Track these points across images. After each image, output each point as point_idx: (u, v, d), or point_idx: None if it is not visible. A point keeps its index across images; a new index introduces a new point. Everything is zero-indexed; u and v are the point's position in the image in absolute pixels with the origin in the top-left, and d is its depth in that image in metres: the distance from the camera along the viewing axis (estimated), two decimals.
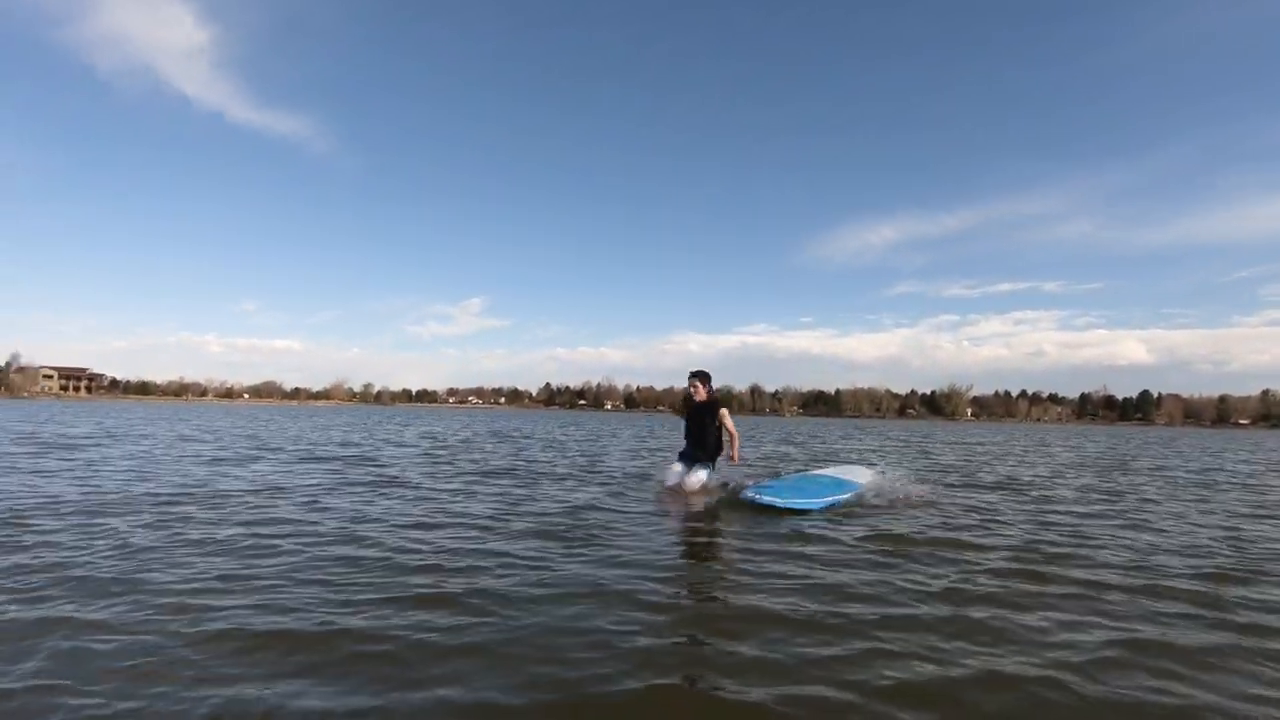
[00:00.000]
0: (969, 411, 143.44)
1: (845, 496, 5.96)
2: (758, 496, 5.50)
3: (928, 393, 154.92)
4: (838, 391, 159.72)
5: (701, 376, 6.69)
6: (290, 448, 11.38)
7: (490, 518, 4.95)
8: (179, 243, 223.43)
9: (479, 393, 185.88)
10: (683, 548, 4.22)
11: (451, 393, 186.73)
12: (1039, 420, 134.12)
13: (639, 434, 21.84)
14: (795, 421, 69.33)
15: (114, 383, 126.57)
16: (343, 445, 12.17)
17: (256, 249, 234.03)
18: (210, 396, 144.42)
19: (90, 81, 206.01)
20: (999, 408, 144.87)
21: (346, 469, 8.03)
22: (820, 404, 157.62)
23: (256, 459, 9.06)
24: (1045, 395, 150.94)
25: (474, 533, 4.37)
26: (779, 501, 5.43)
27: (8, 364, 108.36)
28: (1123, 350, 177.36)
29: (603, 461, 10.22)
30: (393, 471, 7.86)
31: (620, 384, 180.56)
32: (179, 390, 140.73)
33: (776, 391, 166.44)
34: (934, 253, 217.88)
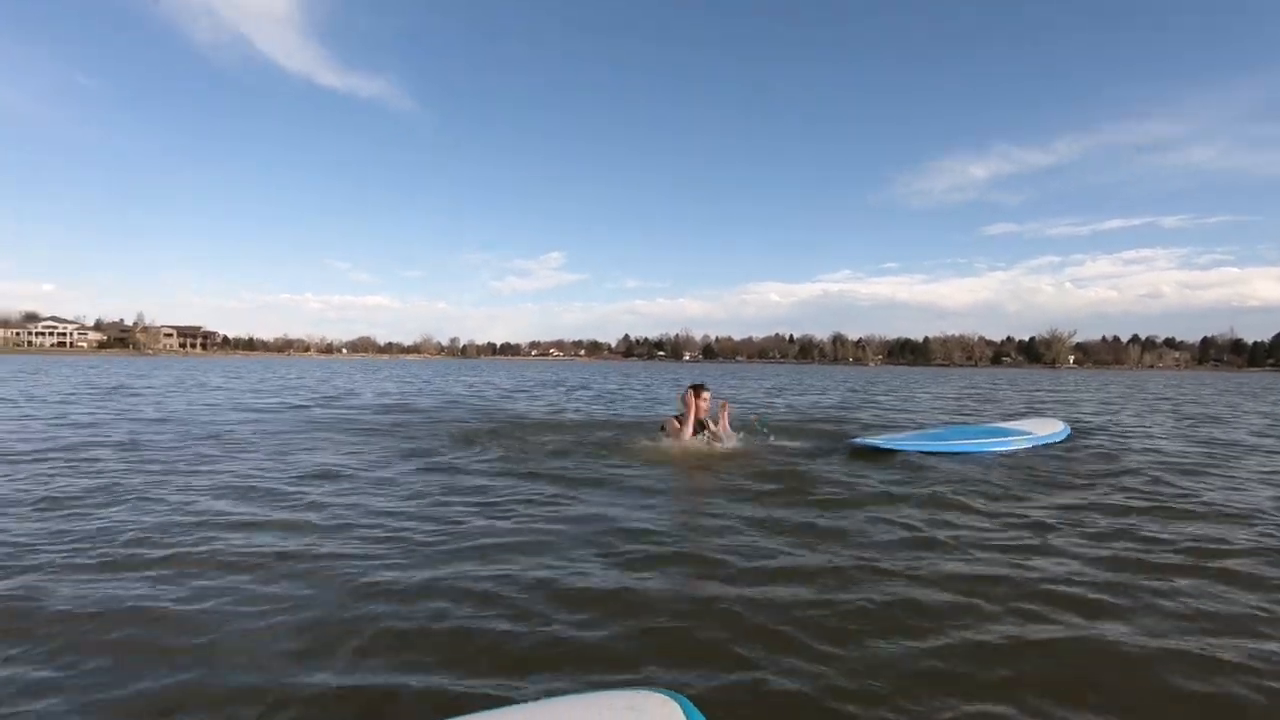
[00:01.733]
0: (1071, 359, 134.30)
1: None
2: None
3: (1026, 339, 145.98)
4: (926, 339, 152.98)
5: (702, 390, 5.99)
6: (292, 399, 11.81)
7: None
8: (277, 206, 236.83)
9: (559, 345, 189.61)
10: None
11: (534, 345, 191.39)
12: (1151, 367, 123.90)
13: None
14: (872, 371, 66.90)
15: (225, 340, 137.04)
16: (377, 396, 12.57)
17: (347, 209, 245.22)
18: (312, 352, 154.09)
19: (188, 53, 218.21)
20: (1106, 354, 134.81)
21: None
22: (907, 352, 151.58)
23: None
24: (1160, 340, 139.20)
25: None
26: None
27: (134, 324, 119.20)
28: (1254, 290, 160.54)
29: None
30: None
31: (698, 334, 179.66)
32: (282, 346, 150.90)
33: (860, 340, 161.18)
34: (1035, 188, 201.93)
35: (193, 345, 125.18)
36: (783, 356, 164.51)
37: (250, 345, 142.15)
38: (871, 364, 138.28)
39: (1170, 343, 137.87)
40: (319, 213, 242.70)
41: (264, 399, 11.84)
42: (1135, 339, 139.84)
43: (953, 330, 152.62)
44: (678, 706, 1.14)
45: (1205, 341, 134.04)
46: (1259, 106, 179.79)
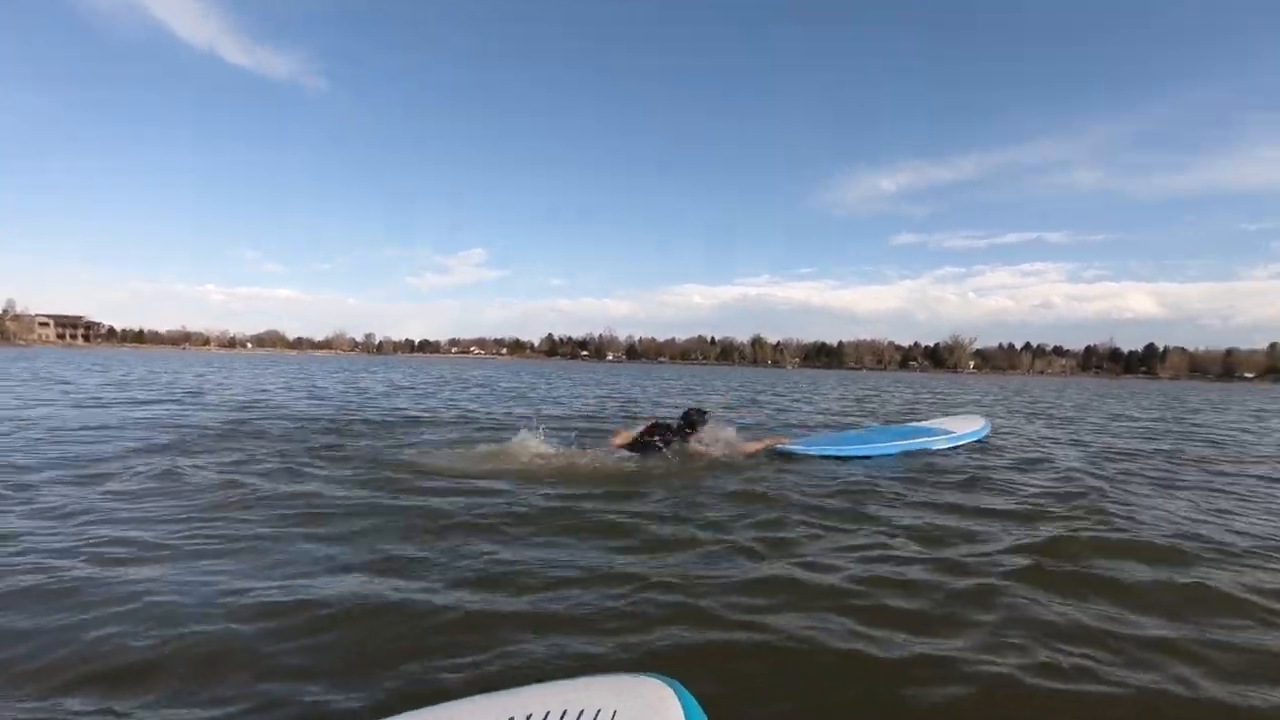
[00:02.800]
0: (971, 364, 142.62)
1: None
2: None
3: (931, 345, 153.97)
4: (840, 344, 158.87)
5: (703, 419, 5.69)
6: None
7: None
8: (175, 189, 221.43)
9: (480, 343, 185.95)
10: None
11: (453, 343, 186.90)
12: (1041, 373, 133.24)
13: (584, 388, 21.53)
14: (788, 373, 69.00)
15: (112, 332, 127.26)
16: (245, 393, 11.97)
17: (254, 195, 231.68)
18: (213, 346, 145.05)
19: (79, 20, 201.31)
20: (1002, 360, 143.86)
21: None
22: (822, 355, 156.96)
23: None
24: (1050, 348, 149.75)
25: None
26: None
27: (4, 311, 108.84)
28: (1130, 303, 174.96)
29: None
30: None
31: (622, 335, 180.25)
32: (179, 339, 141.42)
33: (779, 343, 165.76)
34: (939, 202, 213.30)
35: (73, 336, 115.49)
36: (704, 358, 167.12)
37: (140, 338, 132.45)
38: (789, 366, 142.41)
39: (1059, 350, 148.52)
40: (224, 199, 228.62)
41: (111, 394, 11.09)
42: (1028, 346, 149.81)
43: (866, 335, 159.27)
44: (671, 691, 1.13)
45: (1088, 350, 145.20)
46: (1140, 136, 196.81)
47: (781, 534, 3.42)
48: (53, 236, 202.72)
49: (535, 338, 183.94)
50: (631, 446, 5.30)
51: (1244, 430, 10.87)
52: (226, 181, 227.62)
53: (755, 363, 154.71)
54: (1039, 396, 22.88)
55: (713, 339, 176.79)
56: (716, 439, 5.48)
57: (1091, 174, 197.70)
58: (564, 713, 1.06)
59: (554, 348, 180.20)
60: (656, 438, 5.27)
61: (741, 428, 6.29)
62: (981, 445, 6.94)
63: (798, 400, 15.87)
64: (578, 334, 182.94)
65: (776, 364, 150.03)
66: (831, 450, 5.68)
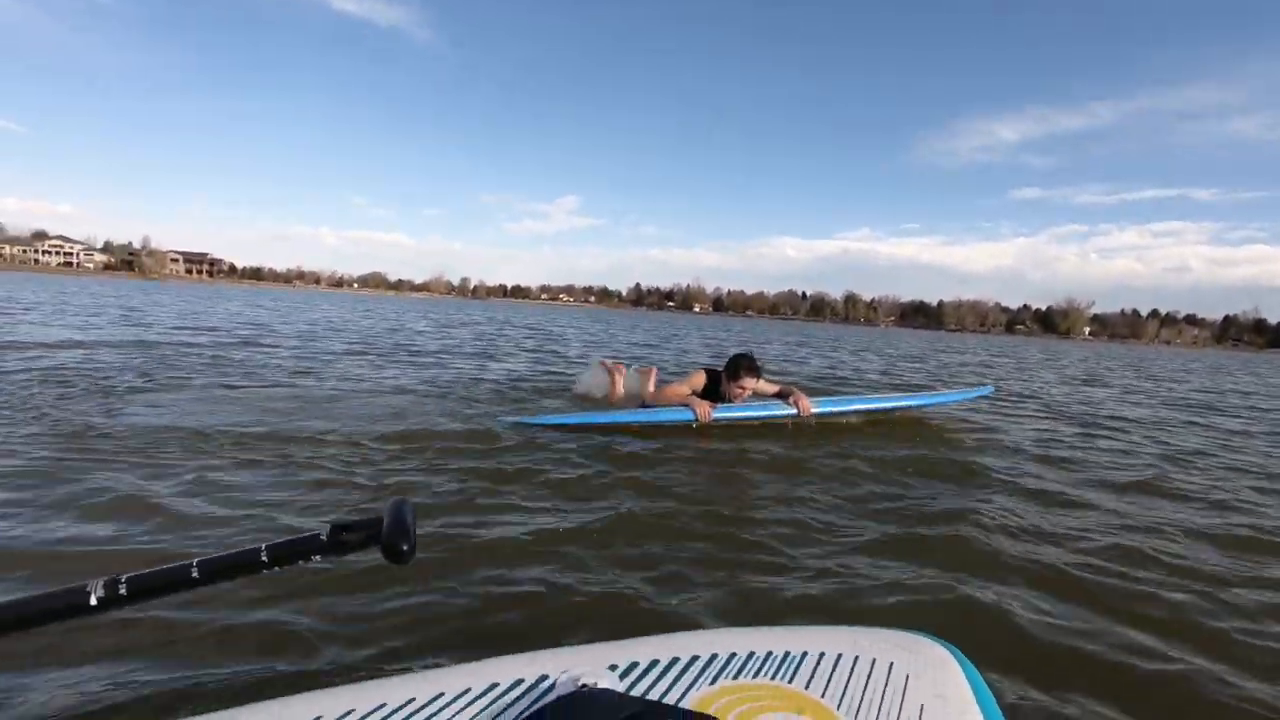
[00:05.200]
0: (1087, 330, 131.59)
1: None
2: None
3: (1043, 309, 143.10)
4: (940, 303, 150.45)
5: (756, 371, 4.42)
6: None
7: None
8: (295, 136, 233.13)
9: (570, 290, 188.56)
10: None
11: (544, 289, 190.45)
12: (1168, 343, 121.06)
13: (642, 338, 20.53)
14: (879, 332, 65.45)
15: (233, 268, 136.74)
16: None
17: (365, 143, 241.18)
18: (323, 285, 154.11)
19: None
20: (1123, 327, 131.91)
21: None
22: (919, 315, 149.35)
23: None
24: (1181, 316, 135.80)
25: None
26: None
27: (141, 247, 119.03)
28: None
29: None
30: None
31: (710, 287, 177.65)
32: (291, 278, 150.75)
33: (873, 300, 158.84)
34: (1067, 153, 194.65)
35: (199, 272, 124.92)
36: (794, 313, 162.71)
37: (258, 275, 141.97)
38: (882, 325, 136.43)
39: (1191, 319, 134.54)
40: (337, 145, 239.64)
41: (177, 324, 11.09)
42: (1155, 314, 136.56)
43: (970, 295, 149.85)
44: (950, 655, 1.07)
45: (1227, 320, 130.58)
46: None
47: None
48: (184, 177, 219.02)
49: (624, 287, 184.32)
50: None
51: None
52: (339, 128, 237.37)
53: (847, 320, 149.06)
54: (1146, 368, 20.06)
55: (804, 294, 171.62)
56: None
57: (1253, 122, 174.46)
58: (838, 656, 1.06)
59: (640, 298, 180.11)
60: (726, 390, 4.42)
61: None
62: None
63: (836, 362, 14.34)
64: (666, 284, 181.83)
65: (869, 322, 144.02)
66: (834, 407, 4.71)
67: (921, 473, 3.51)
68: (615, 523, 2.47)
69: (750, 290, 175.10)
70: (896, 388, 8.18)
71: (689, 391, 4.36)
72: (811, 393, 4.76)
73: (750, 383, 4.33)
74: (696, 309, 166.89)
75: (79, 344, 7.21)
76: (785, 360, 12.19)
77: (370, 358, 7.87)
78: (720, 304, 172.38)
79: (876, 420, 4.86)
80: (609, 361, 5.36)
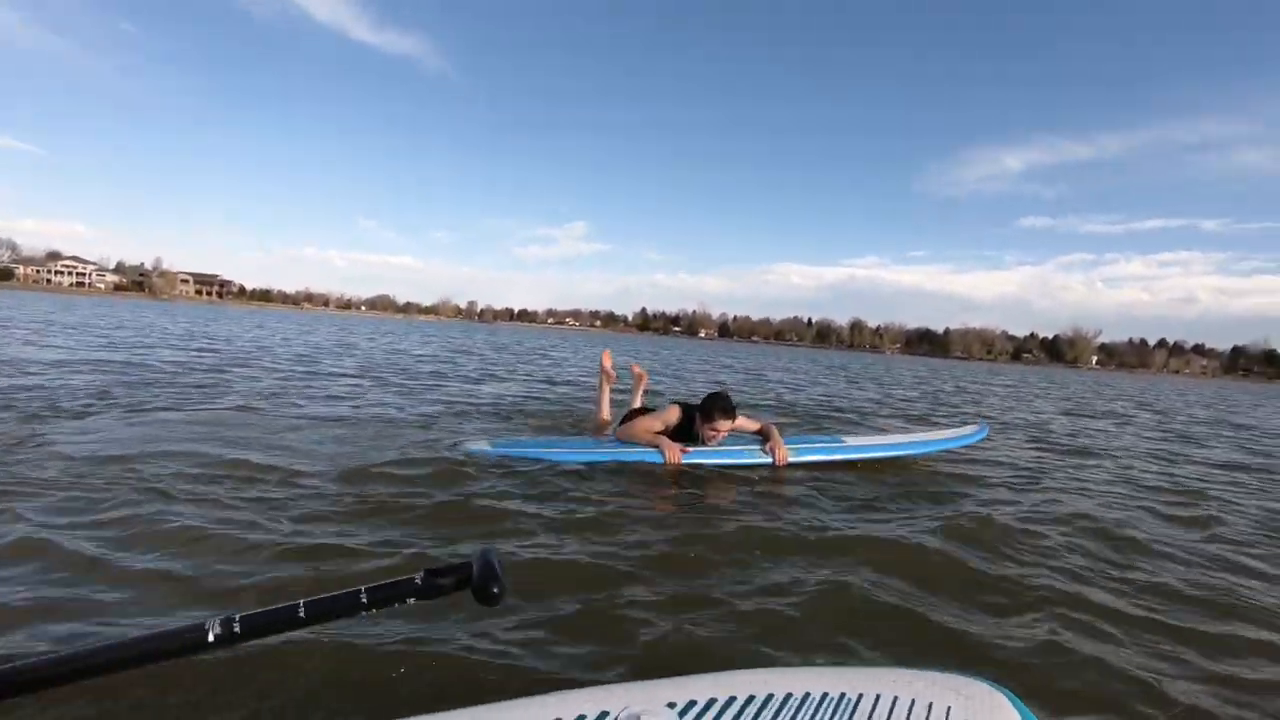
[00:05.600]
0: (1094, 359, 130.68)
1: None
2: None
3: (1049, 337, 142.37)
4: (946, 331, 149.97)
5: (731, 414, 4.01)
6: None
7: None
8: (307, 160, 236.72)
9: (576, 315, 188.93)
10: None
11: (550, 313, 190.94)
12: (1176, 373, 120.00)
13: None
14: (883, 360, 65.08)
15: (242, 290, 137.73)
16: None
17: (377, 167, 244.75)
18: (331, 307, 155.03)
19: (226, 5, 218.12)
20: (1131, 357, 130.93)
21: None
22: (925, 343, 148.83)
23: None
24: (1189, 346, 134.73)
25: None
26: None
27: (152, 268, 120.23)
28: None
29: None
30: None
31: (716, 312, 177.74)
32: (299, 300, 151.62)
33: (879, 327, 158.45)
34: (1072, 183, 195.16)
35: (208, 293, 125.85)
36: (799, 339, 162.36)
37: (266, 296, 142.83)
38: (888, 352, 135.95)
39: (1199, 349, 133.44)
40: (349, 169, 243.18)
41: (167, 343, 11.01)
42: (1163, 343, 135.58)
43: (976, 323, 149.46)
44: (1006, 700, 1.06)
45: (1236, 350, 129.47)
46: None
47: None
48: (197, 200, 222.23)
49: (630, 311, 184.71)
50: (674, 438, 4.03)
51: None
52: (350, 153, 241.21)
53: (852, 346, 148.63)
54: (1154, 398, 19.76)
55: (810, 320, 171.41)
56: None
57: (1263, 154, 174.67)
58: (894, 699, 1.04)
59: (646, 322, 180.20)
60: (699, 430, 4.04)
61: None
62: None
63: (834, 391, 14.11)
64: (672, 309, 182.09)
65: (875, 349, 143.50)
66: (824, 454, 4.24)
67: (935, 500, 3.39)
68: (628, 554, 2.39)
69: (756, 316, 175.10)
70: (893, 419, 7.95)
71: (660, 428, 4.05)
72: (796, 430, 4.58)
73: (725, 425, 4.00)
74: (702, 334, 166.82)
75: (55, 363, 7.11)
76: (783, 387, 12.00)
77: (353, 380, 7.75)
78: (726, 329, 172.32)
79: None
80: (607, 364, 5.28)
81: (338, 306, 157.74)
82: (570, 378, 10.66)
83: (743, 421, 4.20)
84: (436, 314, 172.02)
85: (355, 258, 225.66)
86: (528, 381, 9.44)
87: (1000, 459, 5.23)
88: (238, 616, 0.75)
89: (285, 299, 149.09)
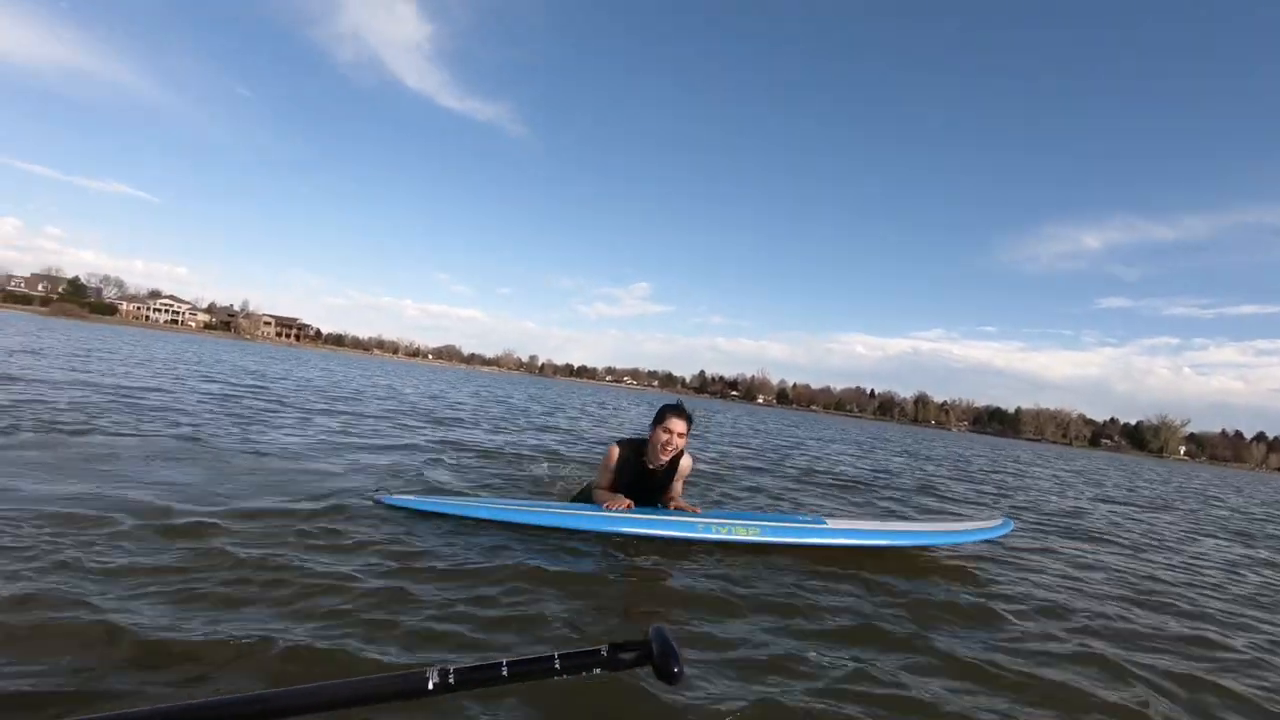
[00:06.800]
0: (1181, 449, 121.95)
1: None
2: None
3: (1131, 423, 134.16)
4: (1018, 410, 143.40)
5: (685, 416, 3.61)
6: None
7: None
8: (390, 214, 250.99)
9: (634, 374, 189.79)
10: None
11: (609, 371, 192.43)
12: (1278, 469, 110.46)
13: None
14: (953, 437, 62.31)
15: (318, 334, 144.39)
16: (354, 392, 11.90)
17: (453, 224, 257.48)
18: (400, 355, 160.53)
19: (330, 73, 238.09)
20: (1224, 449, 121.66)
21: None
22: (995, 421, 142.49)
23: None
24: None
25: None
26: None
27: (240, 309, 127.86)
28: None
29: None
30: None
31: (776, 379, 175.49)
32: (370, 346, 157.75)
33: (945, 403, 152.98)
34: (1157, 264, 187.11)
35: (288, 335, 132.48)
36: (861, 411, 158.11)
37: (339, 341, 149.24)
38: (954, 428, 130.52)
39: None
40: (428, 225, 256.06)
41: (223, 378, 11.38)
42: (1261, 437, 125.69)
43: (1049, 404, 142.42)
44: None
45: None
46: None
47: None
48: (286, 247, 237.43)
49: (688, 373, 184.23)
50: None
51: None
52: (429, 209, 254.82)
53: (916, 421, 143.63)
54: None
55: (872, 392, 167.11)
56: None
57: None
58: None
59: (704, 385, 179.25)
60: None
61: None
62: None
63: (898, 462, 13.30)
64: (731, 373, 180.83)
65: (940, 425, 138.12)
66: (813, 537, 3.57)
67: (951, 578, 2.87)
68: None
69: (816, 385, 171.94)
70: (893, 502, 7.33)
71: (608, 478, 3.62)
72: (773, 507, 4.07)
73: (678, 424, 3.47)
74: (760, 400, 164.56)
75: (95, 385, 7.34)
76: (815, 456, 11.40)
77: (361, 417, 7.72)
78: (784, 396, 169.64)
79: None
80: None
81: (406, 354, 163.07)
82: (583, 435, 10.40)
83: (685, 463, 3.75)
84: (499, 366, 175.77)
85: (427, 308, 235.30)
86: (531, 432, 9.23)
87: (1016, 560, 4.62)
88: (452, 669, 0.81)
89: (357, 344, 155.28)
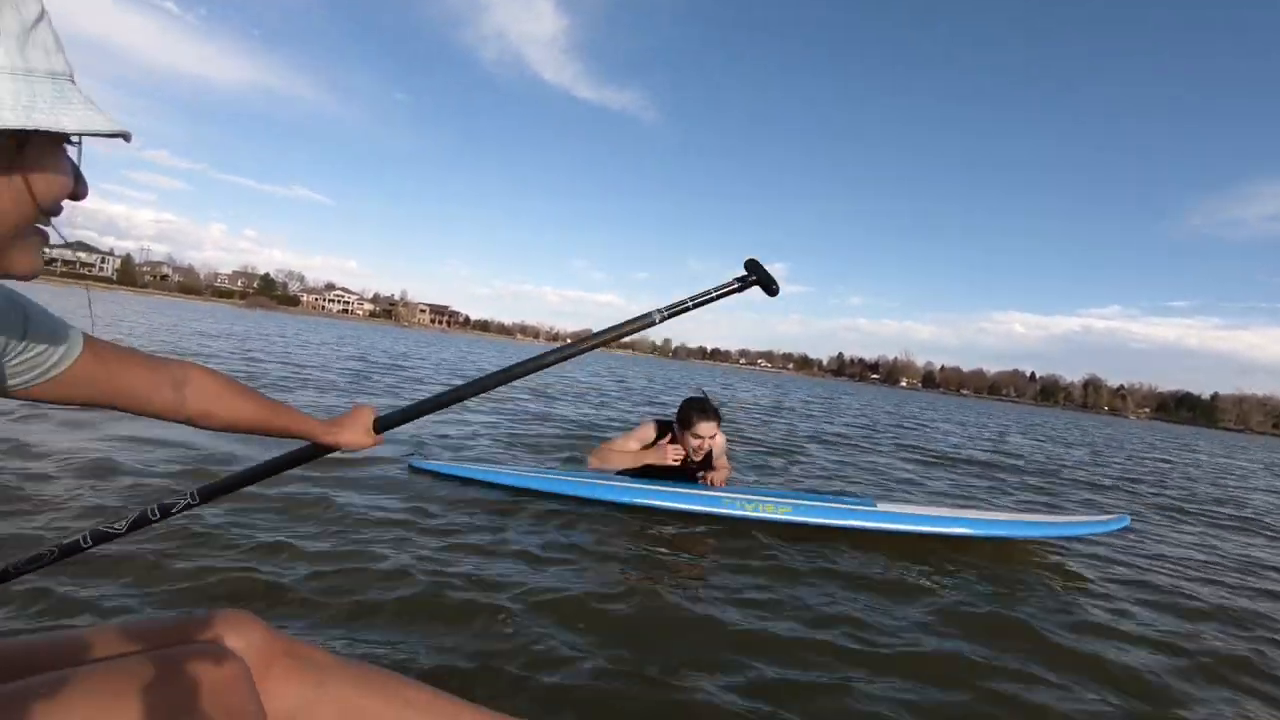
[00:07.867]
0: None
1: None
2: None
3: None
4: (1215, 396, 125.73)
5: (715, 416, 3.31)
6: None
7: None
8: (532, 205, 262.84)
9: (769, 356, 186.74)
10: None
11: (742, 353, 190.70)
12: None
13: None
14: (1129, 425, 55.60)
15: (467, 320, 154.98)
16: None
17: (589, 211, 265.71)
18: (541, 339, 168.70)
19: (478, 71, 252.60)
20: None
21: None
22: (1184, 408, 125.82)
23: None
24: None
25: None
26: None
27: (399, 299, 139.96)
28: None
29: None
30: None
31: (921, 360, 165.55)
32: (513, 330, 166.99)
33: (1121, 387, 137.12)
34: None
35: (440, 322, 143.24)
36: (1019, 395, 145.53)
37: (485, 327, 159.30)
38: (1132, 416, 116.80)
39: None
40: (567, 212, 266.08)
41: (353, 357, 12.45)
42: None
43: (1255, 389, 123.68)
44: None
45: None
46: None
47: None
48: (441, 238, 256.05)
49: (825, 355, 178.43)
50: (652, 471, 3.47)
51: None
52: (568, 197, 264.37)
53: (1085, 407, 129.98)
54: None
55: (1033, 374, 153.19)
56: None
57: None
58: None
59: (842, 367, 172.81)
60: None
61: None
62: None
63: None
64: (871, 355, 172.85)
65: (1115, 412, 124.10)
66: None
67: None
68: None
69: (967, 368, 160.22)
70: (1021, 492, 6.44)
71: (636, 447, 3.47)
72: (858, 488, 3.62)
73: (707, 428, 3.22)
74: (903, 383, 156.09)
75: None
76: (960, 439, 10.46)
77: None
78: (931, 379, 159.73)
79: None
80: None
81: (547, 339, 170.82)
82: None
83: (720, 440, 3.46)
84: (633, 349, 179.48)
85: (566, 294, 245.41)
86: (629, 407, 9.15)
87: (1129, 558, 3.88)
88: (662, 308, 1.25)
89: (501, 329, 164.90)
